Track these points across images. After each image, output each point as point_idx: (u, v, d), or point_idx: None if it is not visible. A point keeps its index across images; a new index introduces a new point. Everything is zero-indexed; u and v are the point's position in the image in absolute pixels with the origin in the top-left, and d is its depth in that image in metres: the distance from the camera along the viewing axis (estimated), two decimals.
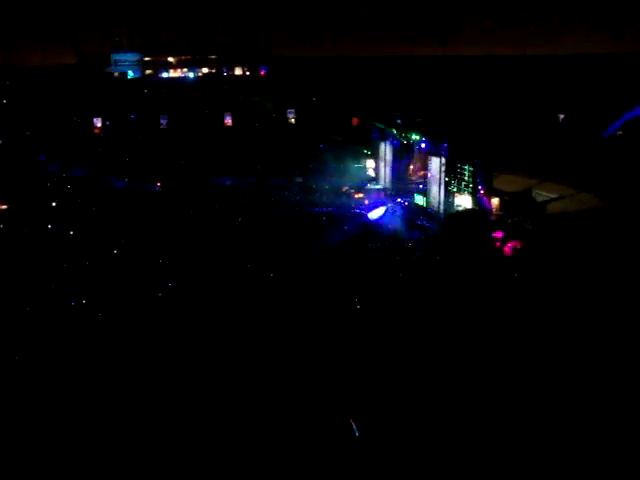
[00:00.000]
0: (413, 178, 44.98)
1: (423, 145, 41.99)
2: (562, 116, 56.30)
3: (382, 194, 45.01)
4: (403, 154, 45.00)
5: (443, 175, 39.25)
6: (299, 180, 48.35)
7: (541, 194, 41.39)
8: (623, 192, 38.47)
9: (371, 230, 39.05)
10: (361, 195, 45.24)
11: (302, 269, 30.75)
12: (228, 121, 55.05)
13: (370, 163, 47.53)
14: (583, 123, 52.28)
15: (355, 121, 48.47)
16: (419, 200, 41.79)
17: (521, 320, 24.47)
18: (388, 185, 45.44)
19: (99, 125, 55.50)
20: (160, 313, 26.29)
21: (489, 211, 37.77)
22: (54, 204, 42.92)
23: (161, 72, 65.25)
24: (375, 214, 41.51)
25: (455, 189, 38.67)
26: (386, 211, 41.70)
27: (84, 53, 66.62)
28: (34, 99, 56.18)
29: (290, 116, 55.00)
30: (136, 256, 33.63)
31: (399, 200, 43.08)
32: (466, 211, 37.19)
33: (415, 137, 42.64)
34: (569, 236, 34.20)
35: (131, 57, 63.89)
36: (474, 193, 37.34)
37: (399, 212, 41.49)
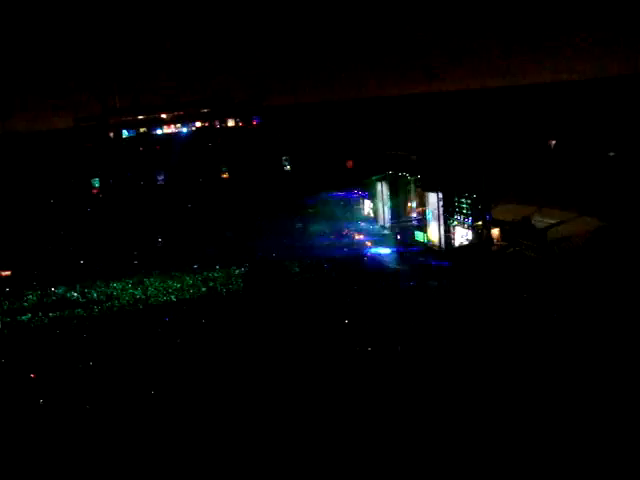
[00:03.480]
0: (412, 215, 45.09)
1: (419, 182, 42.19)
2: (554, 142, 56.89)
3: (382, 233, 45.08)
4: (400, 192, 45.23)
5: (441, 210, 39.34)
6: (299, 226, 48.55)
7: (541, 220, 41.42)
8: (621, 212, 38.53)
9: (377, 268, 38.78)
10: (361, 236, 45.30)
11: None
12: (224, 173, 55.64)
13: (368, 203, 47.71)
14: (575, 148, 52.75)
15: (350, 164, 48.88)
16: (419, 237, 41.77)
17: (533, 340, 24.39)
18: (387, 224, 45.50)
19: (97, 185, 56.16)
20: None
21: (491, 241, 37.83)
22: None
23: (155, 129, 66.23)
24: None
25: (455, 223, 38.70)
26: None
27: (79, 116, 67.81)
28: (31, 164, 56.87)
29: (285, 163, 55.59)
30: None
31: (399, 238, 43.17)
32: (471, 244, 37.11)
33: (411, 175, 42.90)
34: (574, 259, 34.09)
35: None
36: (474, 225, 37.35)
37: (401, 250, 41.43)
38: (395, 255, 41.19)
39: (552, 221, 41.21)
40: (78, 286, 39.44)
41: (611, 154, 51.13)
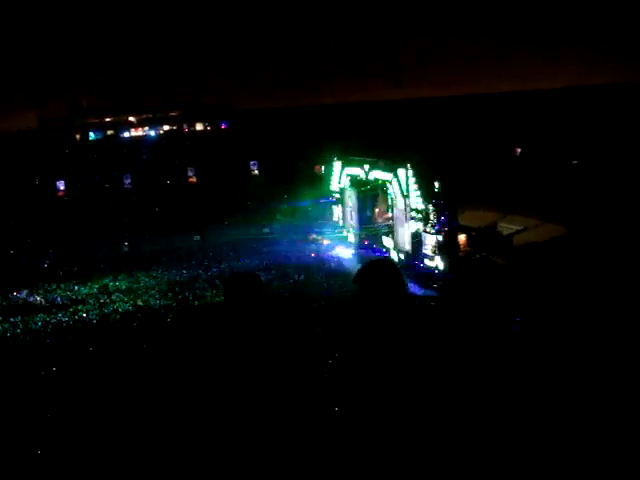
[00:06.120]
0: (379, 221, 45.26)
1: (386, 188, 42.33)
2: (519, 150, 57.79)
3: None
4: (368, 198, 45.40)
5: (408, 216, 39.52)
6: (266, 231, 48.49)
7: (506, 227, 41.99)
8: (584, 219, 39.24)
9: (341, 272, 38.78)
10: (329, 241, 45.39)
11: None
12: (192, 177, 55.23)
13: (337, 209, 47.63)
14: (540, 156, 53.63)
15: (317, 168, 48.84)
16: (386, 242, 42.01)
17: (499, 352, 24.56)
18: (355, 230, 45.60)
19: (62, 188, 55.27)
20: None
21: (457, 247, 38.15)
22: None
23: (123, 132, 65.52)
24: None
25: (421, 228, 38.85)
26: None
27: (45, 117, 66.77)
28: None
29: (253, 168, 55.45)
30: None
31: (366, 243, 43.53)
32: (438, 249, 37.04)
33: (378, 180, 42.99)
34: (538, 266, 34.51)
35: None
36: (440, 231, 37.54)
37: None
38: (360, 258, 41.39)
39: (517, 228, 41.84)
40: (41, 290, 38.89)
41: (574, 162, 52.12)
